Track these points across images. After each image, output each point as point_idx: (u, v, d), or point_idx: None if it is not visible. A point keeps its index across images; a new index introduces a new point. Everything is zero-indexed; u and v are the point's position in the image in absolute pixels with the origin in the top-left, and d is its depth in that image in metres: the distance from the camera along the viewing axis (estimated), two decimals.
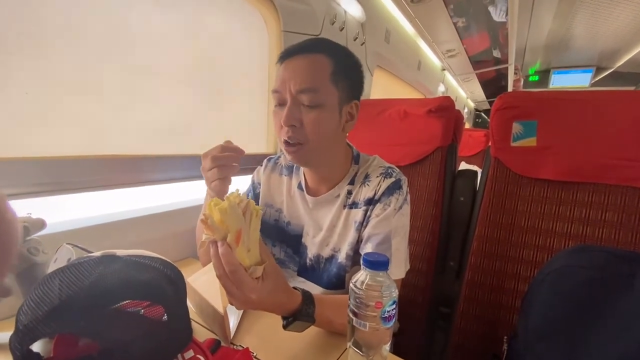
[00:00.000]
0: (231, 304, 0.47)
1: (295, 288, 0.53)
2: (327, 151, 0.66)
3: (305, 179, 0.75)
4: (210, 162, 0.60)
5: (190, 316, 0.49)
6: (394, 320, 0.43)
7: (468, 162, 2.56)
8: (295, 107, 0.61)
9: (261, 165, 0.83)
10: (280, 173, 0.80)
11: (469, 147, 2.80)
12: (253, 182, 0.84)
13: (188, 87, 0.97)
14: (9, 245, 0.22)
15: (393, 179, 0.67)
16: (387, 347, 0.45)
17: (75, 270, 0.38)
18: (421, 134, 1.11)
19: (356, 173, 0.71)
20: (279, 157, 0.83)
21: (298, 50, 0.62)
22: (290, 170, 0.78)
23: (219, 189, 0.61)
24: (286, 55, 0.63)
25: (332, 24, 1.34)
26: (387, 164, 0.71)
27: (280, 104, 0.63)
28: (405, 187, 0.68)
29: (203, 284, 0.65)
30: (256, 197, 0.82)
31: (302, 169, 0.75)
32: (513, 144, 0.86)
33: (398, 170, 0.70)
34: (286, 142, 0.63)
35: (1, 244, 0.21)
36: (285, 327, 0.51)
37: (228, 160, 0.60)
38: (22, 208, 0.51)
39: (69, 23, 0.69)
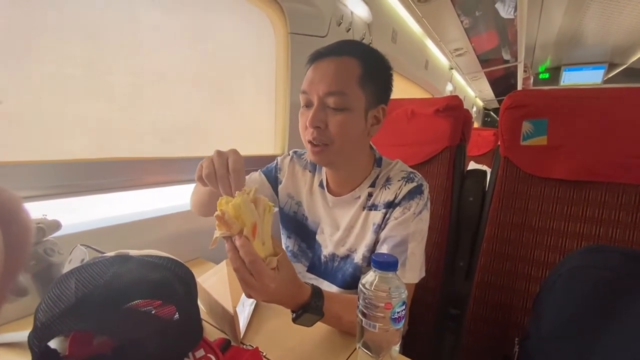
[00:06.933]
0: (249, 297, 0.47)
1: (306, 283, 0.53)
2: (350, 154, 0.66)
3: (326, 178, 0.75)
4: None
5: (201, 316, 0.50)
6: (403, 321, 0.43)
7: (477, 162, 2.53)
8: (322, 109, 0.61)
9: (288, 155, 0.83)
10: (304, 167, 0.80)
11: (478, 147, 2.77)
12: (276, 164, 0.82)
13: (197, 91, 0.98)
14: (24, 245, 0.23)
15: (415, 184, 0.67)
16: (397, 348, 0.45)
17: (91, 269, 0.39)
18: (429, 134, 1.10)
19: (378, 176, 0.71)
20: (305, 152, 0.82)
21: (328, 52, 0.62)
22: (314, 166, 0.79)
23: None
24: (316, 57, 0.63)
25: (339, 25, 1.34)
26: (410, 169, 0.71)
27: (307, 105, 0.64)
28: (426, 193, 0.68)
29: (213, 284, 0.65)
30: (274, 180, 0.81)
31: (324, 167, 0.75)
32: (523, 143, 0.85)
33: (420, 175, 0.70)
34: (310, 143, 0.63)
35: (16, 244, 0.22)
36: (294, 320, 0.51)
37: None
38: (38, 210, 0.53)
39: (80, 26, 0.71)
